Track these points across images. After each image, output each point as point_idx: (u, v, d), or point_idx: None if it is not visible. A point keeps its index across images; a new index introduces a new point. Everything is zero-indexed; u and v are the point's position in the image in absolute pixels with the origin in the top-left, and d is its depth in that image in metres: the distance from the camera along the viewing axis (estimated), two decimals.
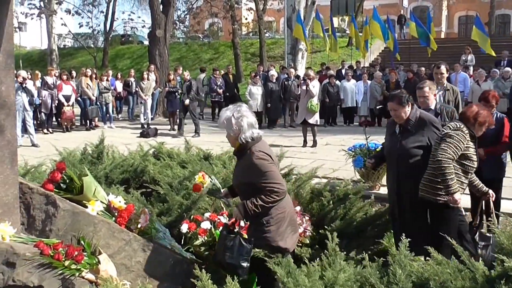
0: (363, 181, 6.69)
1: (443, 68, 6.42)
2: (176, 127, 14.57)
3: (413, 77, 15.12)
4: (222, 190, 4.15)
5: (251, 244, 3.58)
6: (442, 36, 37.88)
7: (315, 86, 11.39)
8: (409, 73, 15.68)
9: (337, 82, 15.99)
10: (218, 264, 3.71)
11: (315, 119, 11.39)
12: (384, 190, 6.90)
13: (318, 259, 3.56)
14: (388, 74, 16.20)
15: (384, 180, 6.96)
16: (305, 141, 11.52)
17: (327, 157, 9.62)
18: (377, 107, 15.55)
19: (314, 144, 11.38)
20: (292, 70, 16.26)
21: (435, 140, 4.36)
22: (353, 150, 6.90)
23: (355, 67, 19.11)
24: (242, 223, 3.84)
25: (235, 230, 3.69)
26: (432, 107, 5.34)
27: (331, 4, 27.40)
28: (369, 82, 15.77)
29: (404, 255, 3.42)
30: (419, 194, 4.35)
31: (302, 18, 19.36)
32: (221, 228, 4.10)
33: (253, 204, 3.51)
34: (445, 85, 6.37)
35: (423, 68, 16.16)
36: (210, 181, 4.27)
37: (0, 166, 3.40)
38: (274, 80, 15.14)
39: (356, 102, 15.86)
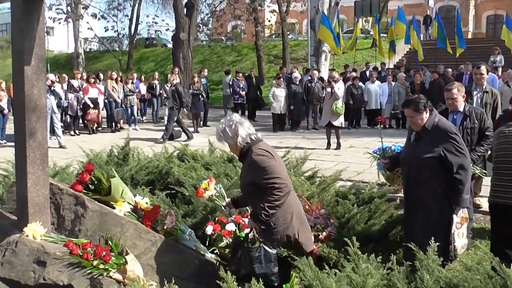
0: (388, 184, 6.64)
1: (483, 68, 6.29)
2: (199, 128, 14.69)
3: (438, 78, 14.89)
4: (226, 200, 4.19)
5: (275, 248, 3.62)
6: (469, 36, 37.24)
7: (340, 88, 11.33)
8: (434, 74, 15.44)
9: (361, 84, 15.88)
10: (242, 278, 3.56)
11: (340, 121, 11.34)
12: None
13: (341, 262, 3.57)
14: (413, 75, 16.03)
15: None
16: (328, 144, 11.47)
17: (352, 160, 9.56)
18: (392, 112, 15.41)
19: (338, 146, 11.32)
20: (316, 72, 16.20)
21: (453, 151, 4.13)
22: (378, 153, 6.84)
23: (379, 69, 18.95)
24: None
25: (256, 239, 3.67)
26: (461, 109, 5.28)
27: (354, 5, 27.17)
28: (393, 83, 15.62)
29: (432, 260, 3.39)
30: (490, 199, 4.30)
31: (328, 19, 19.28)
32: (245, 230, 4.13)
33: (261, 209, 3.55)
34: (484, 87, 6.25)
35: (449, 69, 15.84)
36: (215, 188, 4.28)
37: (31, 167, 3.49)
38: (298, 82, 15.11)
39: (381, 104, 15.74)
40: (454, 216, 4.16)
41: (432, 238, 3.63)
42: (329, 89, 11.34)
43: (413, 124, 4.38)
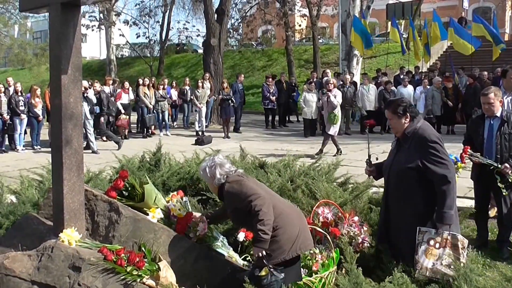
0: None
1: (511, 72, 6.14)
2: (229, 134, 14.73)
3: (474, 82, 14.56)
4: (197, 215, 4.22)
5: (282, 271, 3.60)
6: (506, 38, 36.34)
7: (336, 96, 10.93)
8: (469, 78, 15.11)
9: (393, 88, 15.66)
10: None
11: (334, 130, 11.04)
12: None
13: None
14: (444, 82, 15.67)
15: None
16: (338, 150, 11.06)
17: None
18: (426, 116, 15.12)
19: (338, 152, 10.87)
20: (348, 76, 16.07)
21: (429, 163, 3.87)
22: None
23: (413, 72, 18.65)
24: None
25: (264, 266, 3.60)
26: (498, 114, 5.15)
27: (386, 8, 26.87)
28: (429, 87, 15.37)
29: (470, 269, 3.31)
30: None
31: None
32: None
33: (257, 234, 3.56)
34: None
35: (485, 73, 15.44)
36: (180, 203, 4.33)
37: (67, 174, 3.54)
38: None
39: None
40: (432, 230, 3.88)
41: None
42: (325, 98, 10.97)
43: (392, 127, 4.25)
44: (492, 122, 5.21)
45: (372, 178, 5.29)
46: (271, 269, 3.55)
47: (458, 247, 3.88)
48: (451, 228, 3.91)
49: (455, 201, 3.94)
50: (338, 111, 11.04)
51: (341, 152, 10.82)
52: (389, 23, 25.15)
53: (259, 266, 3.59)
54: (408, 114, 4.06)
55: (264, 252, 3.53)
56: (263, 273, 3.53)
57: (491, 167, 5.09)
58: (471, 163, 5.40)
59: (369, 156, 4.64)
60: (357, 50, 19.58)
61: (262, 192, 3.65)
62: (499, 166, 5.06)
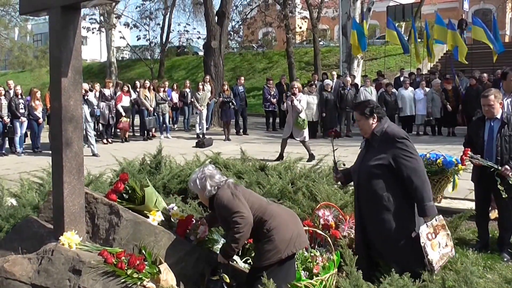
0: None
1: (511, 74, 6.15)
2: (230, 137, 14.72)
3: (475, 84, 14.53)
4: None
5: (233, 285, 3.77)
6: (506, 39, 36.32)
7: (301, 101, 10.61)
8: (471, 80, 15.08)
9: (394, 90, 15.66)
10: None
11: (303, 135, 10.72)
12: (445, 203, 6.71)
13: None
14: (443, 84, 15.66)
15: (446, 192, 6.77)
16: (281, 156, 10.71)
17: None
18: (426, 119, 15.13)
19: (311, 158, 10.39)
20: (349, 78, 16.06)
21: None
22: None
23: (416, 73, 18.64)
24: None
25: (220, 274, 3.78)
26: (498, 116, 5.14)
27: (387, 10, 26.87)
28: (427, 89, 15.36)
29: (470, 272, 3.30)
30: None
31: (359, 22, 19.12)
32: None
33: (226, 245, 3.75)
34: None
35: (485, 74, 15.37)
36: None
37: (68, 177, 3.54)
38: (330, 89, 15.02)
39: (415, 110, 15.48)
40: (422, 226, 3.95)
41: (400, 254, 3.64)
42: (289, 102, 10.66)
43: (360, 128, 4.28)
44: (492, 124, 5.20)
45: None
46: (221, 279, 3.73)
47: (444, 225, 4.14)
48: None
49: (430, 193, 4.02)
50: (304, 116, 10.77)
51: (313, 157, 10.26)
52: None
53: (214, 271, 3.82)
54: (375, 115, 4.14)
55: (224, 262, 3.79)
56: (216, 277, 3.76)
57: (492, 169, 5.07)
58: (472, 165, 5.39)
59: (335, 163, 4.75)
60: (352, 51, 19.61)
61: (245, 210, 3.69)
62: (500, 168, 5.04)
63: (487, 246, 5.37)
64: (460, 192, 6.73)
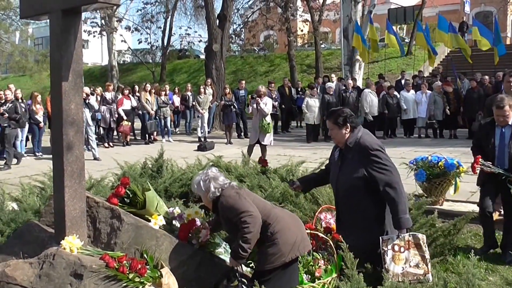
0: (426, 195, 6.47)
1: None
2: (232, 140, 14.71)
3: (476, 86, 14.52)
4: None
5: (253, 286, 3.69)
6: (508, 42, 36.32)
7: (267, 104, 10.47)
8: (472, 82, 15.07)
9: (396, 93, 15.64)
10: None
11: (269, 139, 10.55)
12: (447, 205, 6.69)
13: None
14: (443, 86, 15.63)
15: (448, 195, 6.75)
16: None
17: None
18: (428, 121, 15.10)
19: (262, 162, 10.21)
20: (351, 81, 16.05)
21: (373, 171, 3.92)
22: (414, 163, 6.69)
23: (419, 75, 18.62)
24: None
25: (238, 277, 3.75)
26: (510, 122, 5.06)
27: (388, 12, 26.93)
28: (428, 92, 15.35)
29: (472, 274, 3.29)
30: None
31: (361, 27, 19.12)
32: None
33: (237, 247, 3.65)
34: None
35: (486, 77, 15.32)
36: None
37: (69, 181, 3.53)
38: (331, 92, 15.01)
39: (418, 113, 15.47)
40: (393, 236, 3.94)
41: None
42: (254, 105, 10.51)
43: (333, 138, 4.24)
44: (503, 130, 5.12)
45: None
46: (241, 283, 3.69)
47: (420, 245, 3.99)
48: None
49: (407, 205, 4.00)
50: (270, 119, 10.61)
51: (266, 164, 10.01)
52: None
53: (230, 277, 3.75)
54: (348, 124, 4.10)
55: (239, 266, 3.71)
56: (236, 283, 3.70)
57: (503, 177, 4.97)
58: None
59: (288, 180, 4.94)
60: (358, 55, 19.59)
61: (253, 209, 3.67)
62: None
63: (495, 244, 5.30)
64: (462, 195, 6.72)
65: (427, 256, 4.01)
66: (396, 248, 3.93)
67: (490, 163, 5.08)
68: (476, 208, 5.64)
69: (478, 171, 5.23)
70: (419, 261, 3.97)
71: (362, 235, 4.00)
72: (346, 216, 4.18)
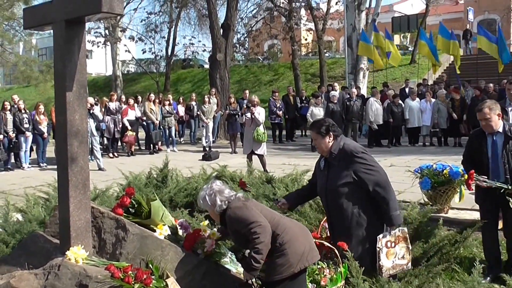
0: (431, 204, 6.44)
1: None
2: (236, 149, 14.70)
3: (480, 94, 14.45)
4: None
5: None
6: None
7: (260, 113, 10.40)
8: (475, 91, 15.00)
9: (401, 102, 15.60)
10: None
11: (263, 149, 10.45)
12: (453, 213, 6.65)
13: None
14: (451, 92, 15.61)
15: (453, 203, 6.71)
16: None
17: (392, 179, 9.17)
18: (432, 130, 15.06)
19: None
20: (355, 90, 16.04)
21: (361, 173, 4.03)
22: (419, 171, 6.66)
23: (424, 83, 18.61)
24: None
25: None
26: (500, 129, 4.69)
27: (392, 21, 26.97)
28: (433, 100, 15.32)
29: (477, 282, 3.27)
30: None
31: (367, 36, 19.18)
32: None
33: (249, 258, 3.63)
34: None
35: (491, 85, 15.30)
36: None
37: (73, 191, 3.53)
38: (335, 101, 14.99)
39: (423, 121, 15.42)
40: (385, 233, 4.06)
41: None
42: (248, 115, 10.43)
43: (317, 147, 4.32)
44: (495, 138, 4.73)
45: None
46: None
47: (406, 238, 4.23)
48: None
49: (396, 202, 4.16)
50: (263, 129, 10.47)
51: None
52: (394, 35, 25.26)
53: None
54: (331, 133, 4.20)
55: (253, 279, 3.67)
56: None
57: (502, 190, 4.65)
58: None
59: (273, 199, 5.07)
60: (363, 64, 19.61)
61: (262, 219, 3.66)
62: (510, 187, 4.63)
63: (500, 264, 4.94)
64: (467, 202, 6.66)
65: (410, 246, 4.29)
66: (389, 244, 4.10)
67: (485, 177, 4.73)
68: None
69: (473, 188, 4.92)
70: (404, 253, 4.21)
71: (359, 242, 4.12)
72: (340, 225, 4.21)
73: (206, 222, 4.44)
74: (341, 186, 4.10)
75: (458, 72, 19.56)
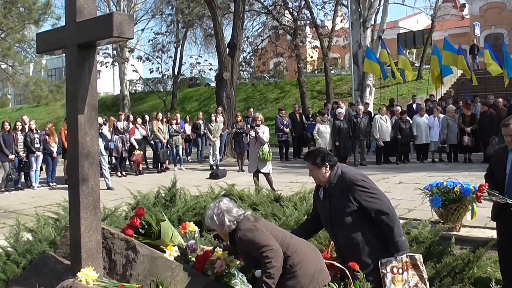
0: (442, 222, 6.38)
1: None
2: (244, 167, 14.69)
3: (489, 109, 14.43)
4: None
5: None
6: None
7: (265, 132, 10.34)
8: (484, 107, 14.94)
9: (408, 118, 15.58)
10: None
11: (269, 167, 10.38)
12: (465, 232, 6.58)
13: None
14: (461, 107, 15.59)
15: (465, 220, 6.64)
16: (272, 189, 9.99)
17: (402, 196, 9.28)
18: (440, 146, 14.98)
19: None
20: (361, 107, 16.04)
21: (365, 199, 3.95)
22: (429, 189, 6.60)
23: (430, 99, 18.60)
24: None
25: None
26: None
27: (397, 37, 27.08)
28: (441, 116, 15.28)
29: None
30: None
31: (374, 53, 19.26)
32: None
33: (261, 283, 3.60)
34: None
35: (500, 100, 15.19)
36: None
37: (84, 213, 3.53)
38: (342, 118, 15.00)
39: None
40: (391, 259, 3.96)
41: None
42: (252, 134, 10.36)
43: (314, 179, 4.22)
44: None
45: None
46: None
47: (418, 266, 4.07)
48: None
49: (401, 228, 4.08)
50: (268, 147, 10.40)
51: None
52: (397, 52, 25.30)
53: None
54: (327, 163, 4.11)
55: None
56: None
57: (511, 207, 4.54)
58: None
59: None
60: (369, 80, 19.64)
61: (273, 243, 3.63)
62: None
63: None
64: (479, 220, 6.60)
65: (425, 275, 4.09)
66: (395, 270, 3.99)
67: (498, 192, 4.65)
68: (495, 234, 5.50)
69: (482, 200, 4.98)
70: (417, 281, 4.05)
71: (371, 270, 3.99)
72: (348, 254, 4.10)
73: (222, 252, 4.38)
74: (346, 216, 4.01)
75: (476, 84, 19.44)
